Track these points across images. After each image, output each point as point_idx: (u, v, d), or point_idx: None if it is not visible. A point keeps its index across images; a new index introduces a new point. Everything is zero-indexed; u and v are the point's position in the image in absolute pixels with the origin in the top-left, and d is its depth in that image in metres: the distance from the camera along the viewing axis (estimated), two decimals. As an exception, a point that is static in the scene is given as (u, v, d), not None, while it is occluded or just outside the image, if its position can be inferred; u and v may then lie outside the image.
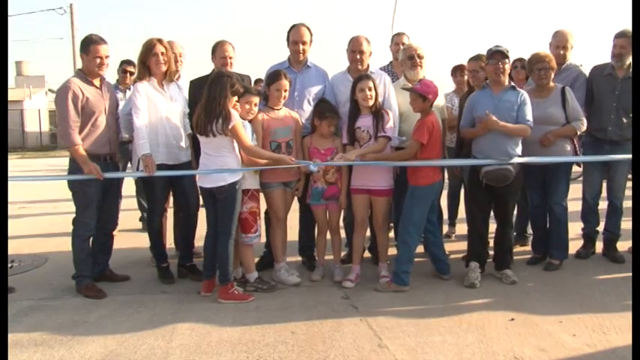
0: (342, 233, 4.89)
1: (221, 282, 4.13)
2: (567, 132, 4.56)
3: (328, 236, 4.67)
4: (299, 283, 4.41)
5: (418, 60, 4.65)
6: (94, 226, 4.30)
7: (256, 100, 4.21)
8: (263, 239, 4.61)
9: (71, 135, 4.07)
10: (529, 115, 4.27)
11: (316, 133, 4.50)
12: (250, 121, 4.26)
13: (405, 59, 4.72)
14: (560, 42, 4.96)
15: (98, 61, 4.17)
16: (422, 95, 4.15)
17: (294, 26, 4.67)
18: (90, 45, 4.16)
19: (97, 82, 4.26)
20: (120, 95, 5.41)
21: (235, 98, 4.06)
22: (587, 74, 4.99)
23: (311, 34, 4.67)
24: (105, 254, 4.58)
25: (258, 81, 6.94)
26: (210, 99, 3.96)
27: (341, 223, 4.81)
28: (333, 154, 4.38)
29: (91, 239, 4.39)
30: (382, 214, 4.46)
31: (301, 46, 4.62)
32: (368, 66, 4.70)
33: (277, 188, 4.41)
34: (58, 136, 4.19)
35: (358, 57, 4.60)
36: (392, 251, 4.72)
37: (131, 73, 5.85)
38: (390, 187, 4.44)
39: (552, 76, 4.59)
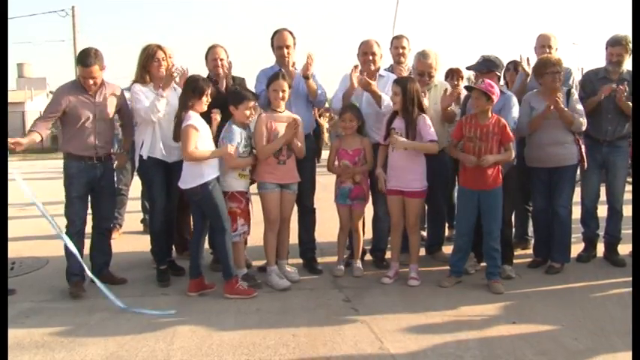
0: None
1: (225, 278, 4.21)
2: (567, 114, 4.52)
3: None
4: (289, 288, 4.38)
5: (428, 79, 4.79)
6: (79, 224, 4.38)
7: (253, 103, 4.31)
8: (258, 241, 4.63)
9: (34, 121, 4.27)
10: (513, 114, 4.47)
11: (344, 135, 4.65)
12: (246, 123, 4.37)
13: (415, 72, 4.85)
14: (544, 41, 5.08)
15: (90, 82, 4.25)
16: (486, 94, 4.17)
17: (276, 32, 4.77)
18: (79, 64, 4.25)
19: (90, 89, 4.31)
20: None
21: (205, 99, 4.16)
22: (581, 78, 5.13)
23: (294, 38, 4.77)
24: (102, 254, 4.61)
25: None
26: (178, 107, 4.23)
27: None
28: (360, 155, 4.58)
29: (91, 239, 4.53)
30: (414, 215, 4.51)
31: (285, 50, 4.71)
32: (379, 68, 4.82)
33: (273, 191, 4.42)
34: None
35: (370, 58, 4.74)
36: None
37: None
38: (424, 188, 4.48)
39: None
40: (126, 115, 4.65)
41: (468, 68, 4.91)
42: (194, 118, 4.12)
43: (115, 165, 4.68)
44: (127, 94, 4.61)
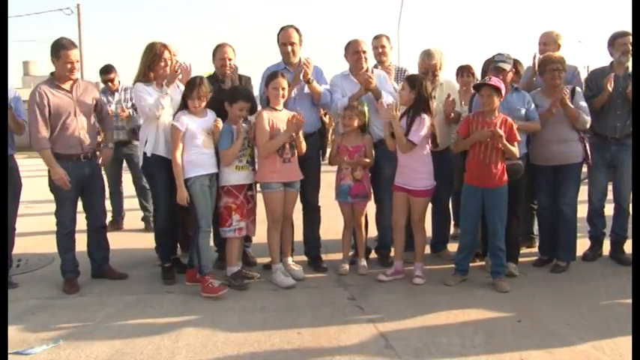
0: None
1: (199, 274, 4.27)
2: (572, 110, 4.52)
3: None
4: (293, 286, 4.39)
5: (432, 78, 4.81)
6: (70, 226, 4.46)
7: (246, 105, 4.32)
8: (263, 239, 4.61)
9: (40, 140, 4.18)
10: (536, 113, 4.52)
11: (346, 132, 4.66)
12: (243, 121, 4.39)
13: (420, 71, 4.88)
14: (541, 39, 5.10)
15: (69, 66, 4.22)
16: (498, 90, 4.18)
17: (282, 28, 4.76)
18: (60, 50, 4.19)
19: (67, 85, 4.31)
20: (110, 98, 6.10)
21: (196, 93, 4.18)
22: (586, 77, 5.09)
23: (300, 35, 4.75)
24: (100, 250, 4.67)
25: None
26: None
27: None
28: (361, 152, 4.58)
29: (87, 238, 4.63)
30: (419, 214, 4.51)
31: (289, 47, 4.70)
32: (368, 68, 4.82)
33: (277, 190, 4.41)
34: (31, 141, 4.24)
35: (362, 56, 4.74)
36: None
37: (111, 80, 6.24)
38: (429, 187, 4.47)
39: (563, 77, 4.62)
40: (102, 108, 4.67)
41: (500, 68, 4.75)
42: (178, 116, 4.20)
43: (100, 161, 4.62)
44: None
